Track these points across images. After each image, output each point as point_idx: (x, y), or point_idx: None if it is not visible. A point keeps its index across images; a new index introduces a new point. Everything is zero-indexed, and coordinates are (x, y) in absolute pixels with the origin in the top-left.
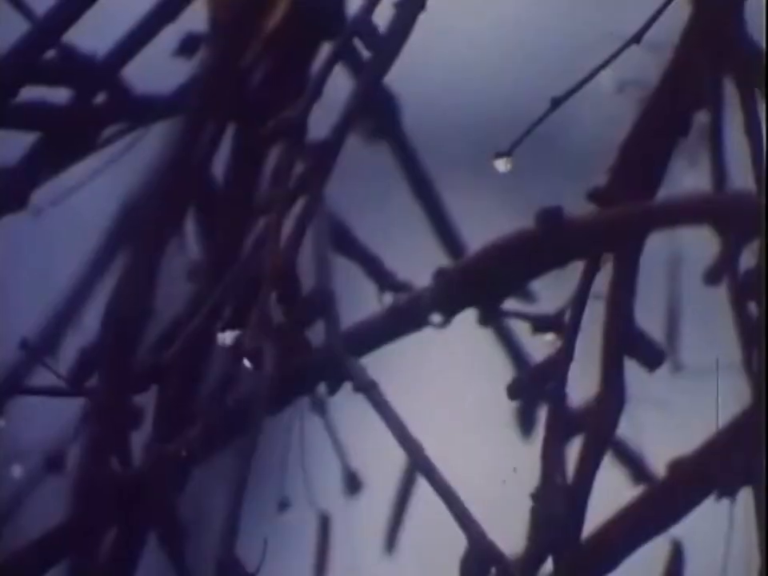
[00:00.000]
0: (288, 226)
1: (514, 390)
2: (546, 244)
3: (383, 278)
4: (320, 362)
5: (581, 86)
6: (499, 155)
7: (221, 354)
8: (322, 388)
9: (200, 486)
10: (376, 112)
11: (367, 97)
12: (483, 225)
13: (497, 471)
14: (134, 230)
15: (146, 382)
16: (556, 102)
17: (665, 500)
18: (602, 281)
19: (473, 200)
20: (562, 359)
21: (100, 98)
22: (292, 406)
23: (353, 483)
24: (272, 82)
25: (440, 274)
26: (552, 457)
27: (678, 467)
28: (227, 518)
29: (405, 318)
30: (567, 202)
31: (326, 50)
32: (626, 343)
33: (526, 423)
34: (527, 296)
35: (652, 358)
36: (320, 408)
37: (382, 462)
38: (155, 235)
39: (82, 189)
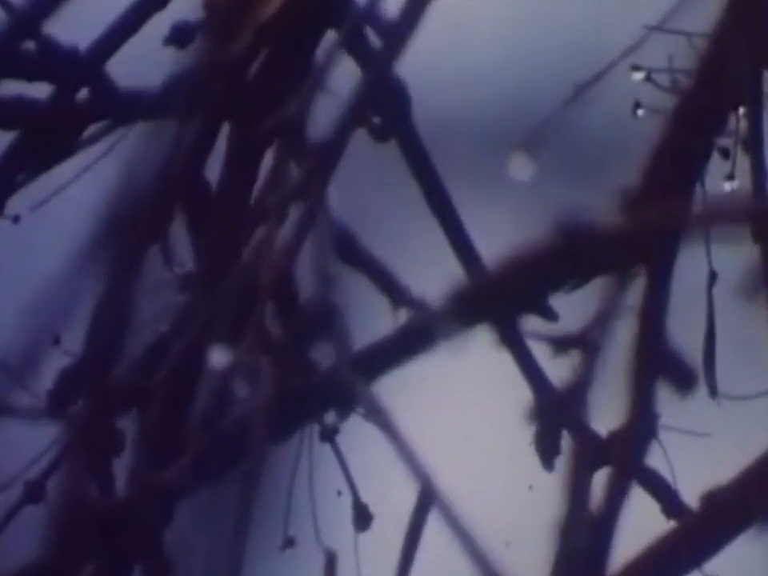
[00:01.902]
0: (287, 233)
1: (533, 415)
2: (568, 255)
3: (396, 294)
4: (325, 385)
5: (604, 73)
6: (518, 147)
7: (213, 374)
8: (331, 415)
9: (189, 517)
10: (384, 107)
11: (375, 90)
12: (498, 232)
13: (514, 502)
14: (117, 239)
15: (130, 405)
16: (579, 89)
17: (698, 534)
18: (632, 295)
19: (488, 203)
20: (585, 382)
21: (82, 94)
22: (299, 433)
23: (363, 517)
24: (271, 75)
25: (455, 291)
26: (576, 486)
27: (712, 499)
28: (228, 556)
29: (418, 338)
30: (591, 207)
31: (330, 38)
32: (657, 364)
33: (546, 451)
34: (548, 313)
35: (685, 380)
36: (329, 436)
37: (393, 493)
38: (140, 245)
39: (63, 193)
